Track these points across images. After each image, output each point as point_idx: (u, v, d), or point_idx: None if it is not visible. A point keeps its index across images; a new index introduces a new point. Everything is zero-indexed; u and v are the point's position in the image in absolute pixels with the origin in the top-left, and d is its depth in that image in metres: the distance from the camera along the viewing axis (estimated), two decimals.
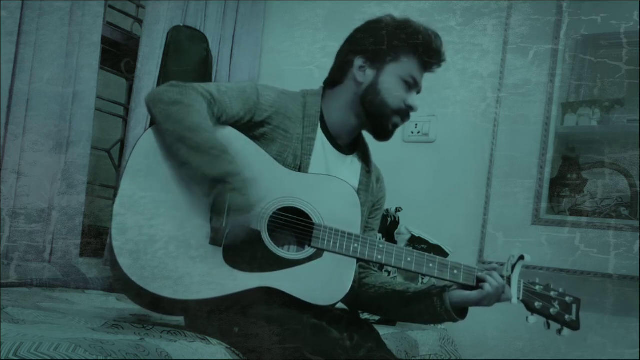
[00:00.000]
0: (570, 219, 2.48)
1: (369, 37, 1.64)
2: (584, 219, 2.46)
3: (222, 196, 1.41)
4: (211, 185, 1.42)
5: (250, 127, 1.55)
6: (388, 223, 2.65)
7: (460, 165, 2.76)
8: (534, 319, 1.57)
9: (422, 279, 2.44)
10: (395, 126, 1.66)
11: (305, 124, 1.61)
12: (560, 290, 1.60)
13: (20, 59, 2.25)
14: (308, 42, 3.13)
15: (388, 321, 2.38)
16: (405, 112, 1.65)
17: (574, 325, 1.58)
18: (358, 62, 1.64)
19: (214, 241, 1.43)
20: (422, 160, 2.84)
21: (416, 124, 2.84)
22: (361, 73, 1.63)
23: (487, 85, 2.74)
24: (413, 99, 1.64)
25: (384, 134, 1.67)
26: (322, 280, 1.49)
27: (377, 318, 2.35)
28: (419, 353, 2.18)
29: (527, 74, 2.63)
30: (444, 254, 2.54)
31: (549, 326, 1.58)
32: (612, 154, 2.43)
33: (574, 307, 1.58)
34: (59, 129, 2.37)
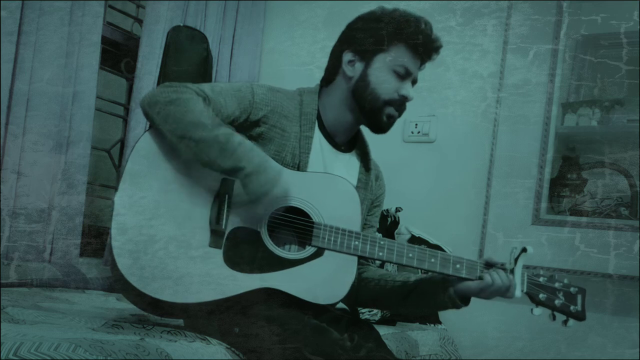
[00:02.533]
0: (570, 219, 2.48)
1: (357, 31, 1.64)
2: (584, 219, 2.46)
3: (244, 183, 1.41)
4: (228, 175, 1.43)
5: (247, 127, 1.55)
6: (388, 223, 2.65)
7: (460, 165, 2.76)
8: (538, 310, 1.56)
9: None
10: (391, 117, 1.64)
11: (303, 122, 1.61)
12: (565, 281, 1.59)
13: (20, 59, 2.25)
14: (308, 42, 3.13)
15: (388, 321, 2.38)
16: (399, 102, 1.63)
17: (580, 316, 1.57)
18: (347, 56, 1.63)
19: (214, 244, 1.43)
20: (422, 160, 2.84)
21: (416, 124, 2.84)
22: (350, 67, 1.63)
23: (487, 85, 2.74)
24: (407, 88, 1.62)
25: (379, 127, 1.65)
26: (323, 280, 1.49)
27: (377, 318, 2.35)
28: (419, 353, 2.18)
29: (527, 74, 2.63)
30: None
31: (554, 317, 1.57)
32: (612, 154, 2.43)
33: (579, 297, 1.57)
34: (59, 129, 2.37)
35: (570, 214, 2.49)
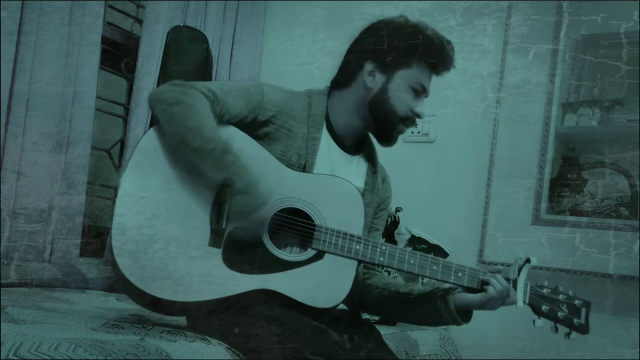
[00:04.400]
0: (570, 219, 2.48)
1: (381, 42, 1.62)
2: (584, 219, 2.45)
3: (225, 198, 1.41)
4: (216, 187, 1.42)
5: (254, 127, 1.54)
6: (388, 223, 2.65)
7: (460, 165, 2.76)
8: (541, 322, 1.55)
9: (422, 278, 2.44)
10: (400, 132, 1.66)
11: (310, 123, 1.60)
12: (570, 293, 1.58)
13: (20, 59, 2.25)
14: (308, 42, 3.13)
15: (388, 321, 2.38)
16: (411, 119, 1.65)
17: (583, 329, 1.55)
18: (368, 66, 1.62)
19: (214, 243, 1.43)
20: (422, 160, 2.84)
21: (416, 124, 2.83)
22: (371, 78, 1.62)
23: (487, 85, 2.74)
24: (420, 105, 1.63)
25: (388, 140, 1.67)
26: (322, 282, 1.49)
27: (377, 318, 2.35)
28: (419, 353, 2.18)
29: (527, 74, 2.63)
30: (444, 254, 2.54)
31: (556, 330, 1.56)
32: (612, 154, 2.43)
33: (583, 310, 1.56)
34: (59, 129, 2.37)
35: (570, 214, 2.49)
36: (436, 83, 2.86)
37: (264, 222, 1.47)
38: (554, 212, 2.53)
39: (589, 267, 2.41)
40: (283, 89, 1.61)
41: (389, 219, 2.66)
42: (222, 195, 1.45)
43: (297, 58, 3.14)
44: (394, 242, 2.61)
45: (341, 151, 1.65)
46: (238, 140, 1.50)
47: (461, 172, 2.75)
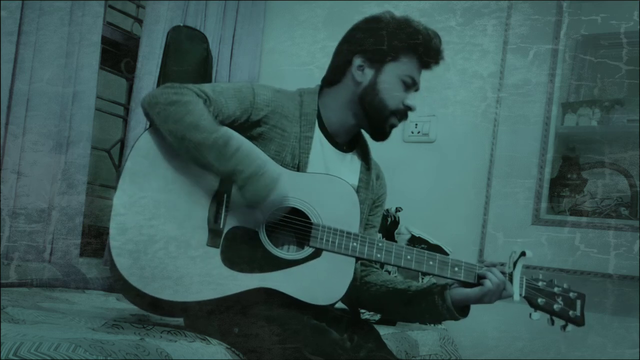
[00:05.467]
0: (570, 219, 2.48)
1: (368, 36, 1.63)
2: (584, 219, 2.46)
3: (242, 188, 1.42)
4: (227, 179, 1.43)
5: (248, 127, 1.55)
6: (388, 223, 2.65)
7: (460, 165, 2.76)
8: (537, 315, 1.56)
9: (422, 277, 2.44)
10: (393, 126, 1.66)
11: (302, 122, 1.61)
12: (565, 285, 1.59)
13: (20, 59, 2.25)
14: (308, 42, 3.13)
15: (388, 321, 2.38)
16: (403, 112, 1.65)
17: (579, 322, 1.57)
18: (357, 61, 1.63)
19: (212, 243, 1.43)
20: (422, 160, 2.84)
21: (416, 124, 2.84)
22: (360, 72, 1.63)
23: (487, 85, 2.74)
24: (411, 98, 1.64)
25: (381, 134, 1.66)
26: (320, 280, 1.49)
27: (377, 318, 2.35)
28: (419, 353, 2.18)
29: (527, 74, 2.63)
30: (444, 254, 2.54)
31: (552, 322, 1.58)
32: (612, 154, 2.43)
33: (579, 302, 1.57)
34: (59, 129, 2.37)
35: (570, 214, 2.49)
36: (436, 83, 2.88)
37: (282, 201, 1.47)
38: (554, 212, 2.53)
39: (589, 267, 2.41)
40: (274, 89, 1.62)
41: (389, 219, 2.66)
42: (221, 194, 1.45)
43: (297, 58, 3.14)
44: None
45: (334, 149, 1.66)
46: None
47: (461, 172, 2.75)
